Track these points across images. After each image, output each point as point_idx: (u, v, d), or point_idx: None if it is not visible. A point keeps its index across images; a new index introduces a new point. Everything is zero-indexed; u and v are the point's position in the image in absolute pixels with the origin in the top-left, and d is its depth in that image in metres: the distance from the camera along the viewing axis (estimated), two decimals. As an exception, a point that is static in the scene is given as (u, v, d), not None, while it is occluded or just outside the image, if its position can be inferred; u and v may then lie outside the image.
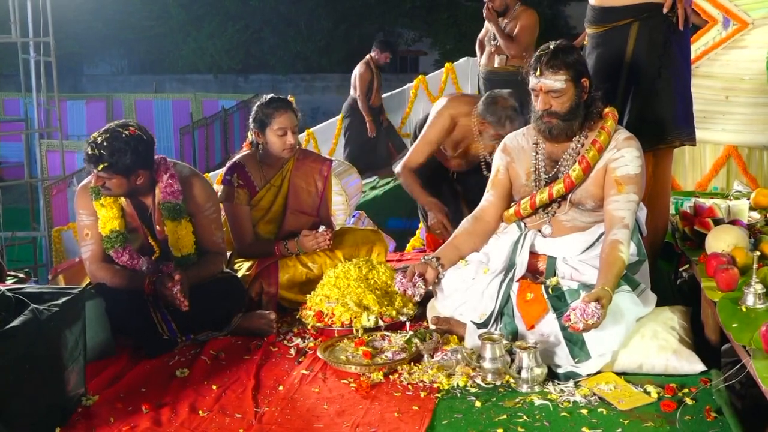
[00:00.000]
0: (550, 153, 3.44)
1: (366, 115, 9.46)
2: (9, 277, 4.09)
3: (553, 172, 3.41)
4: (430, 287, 3.46)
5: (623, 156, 3.29)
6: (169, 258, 3.60)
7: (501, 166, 3.57)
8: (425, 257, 3.49)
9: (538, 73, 3.30)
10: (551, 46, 3.33)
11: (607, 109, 3.38)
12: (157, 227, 3.60)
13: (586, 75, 3.34)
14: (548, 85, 3.29)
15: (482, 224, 3.57)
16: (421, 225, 7.15)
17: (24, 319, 2.62)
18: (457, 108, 4.66)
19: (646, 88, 3.67)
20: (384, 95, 10.89)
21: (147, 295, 3.41)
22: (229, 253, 4.02)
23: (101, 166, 3.36)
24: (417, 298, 3.40)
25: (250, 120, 4.07)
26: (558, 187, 3.35)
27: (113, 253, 3.53)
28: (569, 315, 2.90)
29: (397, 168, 4.77)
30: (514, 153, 3.54)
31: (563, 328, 3.06)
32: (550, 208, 3.42)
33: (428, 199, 4.63)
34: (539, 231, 3.43)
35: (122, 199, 3.55)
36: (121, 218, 3.54)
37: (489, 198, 3.59)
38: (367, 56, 9.68)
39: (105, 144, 3.35)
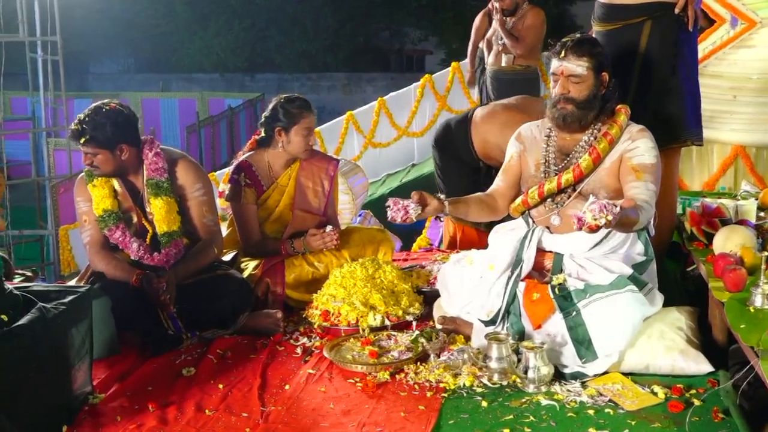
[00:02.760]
0: (562, 146, 3.43)
1: (470, 65, 9.07)
2: (16, 276, 4.11)
3: (562, 165, 3.40)
4: (427, 215, 3.34)
5: (638, 146, 3.29)
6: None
7: (514, 153, 3.57)
8: (436, 195, 3.39)
9: (562, 55, 3.32)
10: (578, 35, 3.37)
11: (619, 106, 3.38)
12: (148, 209, 3.64)
13: (607, 69, 3.35)
14: (570, 69, 3.30)
15: (492, 200, 3.58)
16: (428, 224, 7.16)
17: (31, 317, 2.62)
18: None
19: (660, 86, 3.67)
20: (390, 94, 10.89)
21: (124, 285, 3.44)
22: (235, 253, 4.02)
23: (83, 140, 3.48)
24: (413, 213, 3.22)
25: (269, 118, 4.04)
26: (567, 177, 3.33)
27: (107, 232, 3.58)
28: (583, 216, 2.81)
29: None
30: (528, 142, 3.54)
31: (570, 328, 3.06)
32: (559, 198, 3.40)
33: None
34: (547, 228, 3.42)
35: (114, 181, 3.61)
36: (113, 198, 3.61)
37: (499, 183, 3.61)
38: (488, 5, 9.08)
39: (87, 119, 3.48)
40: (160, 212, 3.58)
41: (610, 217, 2.79)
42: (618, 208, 2.81)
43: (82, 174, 3.67)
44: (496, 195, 3.59)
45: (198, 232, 3.69)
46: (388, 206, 3.25)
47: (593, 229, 2.83)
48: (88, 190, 3.61)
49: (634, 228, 3.15)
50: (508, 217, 3.64)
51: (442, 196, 3.38)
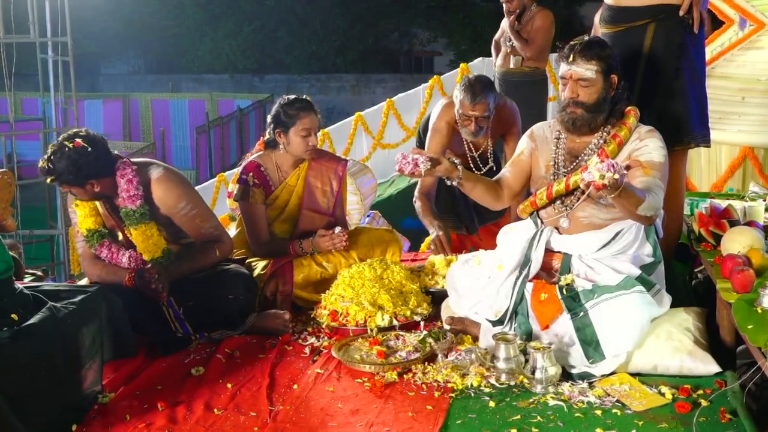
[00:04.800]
0: (571, 148, 3.43)
1: None
2: (27, 275, 4.14)
3: (571, 167, 3.40)
4: (437, 175, 3.35)
5: (647, 145, 3.28)
6: None
7: (525, 149, 3.56)
8: (450, 159, 3.40)
9: (570, 59, 3.31)
10: (586, 38, 3.36)
11: (629, 108, 3.38)
12: None
13: (616, 72, 3.34)
14: (579, 73, 3.30)
15: (498, 188, 3.55)
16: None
17: (41, 316, 2.65)
18: (450, 113, 4.61)
19: (664, 88, 3.67)
20: (399, 95, 10.89)
21: (130, 289, 3.43)
22: (243, 256, 4.04)
23: (49, 179, 3.44)
24: (422, 168, 3.21)
25: (271, 119, 4.06)
26: (575, 178, 3.31)
27: (95, 251, 3.59)
28: (590, 175, 2.76)
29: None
30: (539, 141, 3.53)
31: (577, 329, 3.06)
32: (568, 201, 3.40)
33: (433, 221, 4.54)
34: (556, 228, 3.42)
35: (96, 202, 3.59)
36: (96, 216, 3.60)
37: (505, 173, 3.58)
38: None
39: (52, 158, 3.38)
40: (137, 241, 3.54)
41: (617, 176, 2.76)
42: (626, 170, 2.78)
43: None
44: (502, 184, 3.57)
45: (198, 240, 3.65)
46: (398, 156, 3.24)
47: (599, 189, 2.80)
48: None
49: (639, 210, 3.07)
50: (496, 213, 3.61)
51: (457, 161, 3.38)
